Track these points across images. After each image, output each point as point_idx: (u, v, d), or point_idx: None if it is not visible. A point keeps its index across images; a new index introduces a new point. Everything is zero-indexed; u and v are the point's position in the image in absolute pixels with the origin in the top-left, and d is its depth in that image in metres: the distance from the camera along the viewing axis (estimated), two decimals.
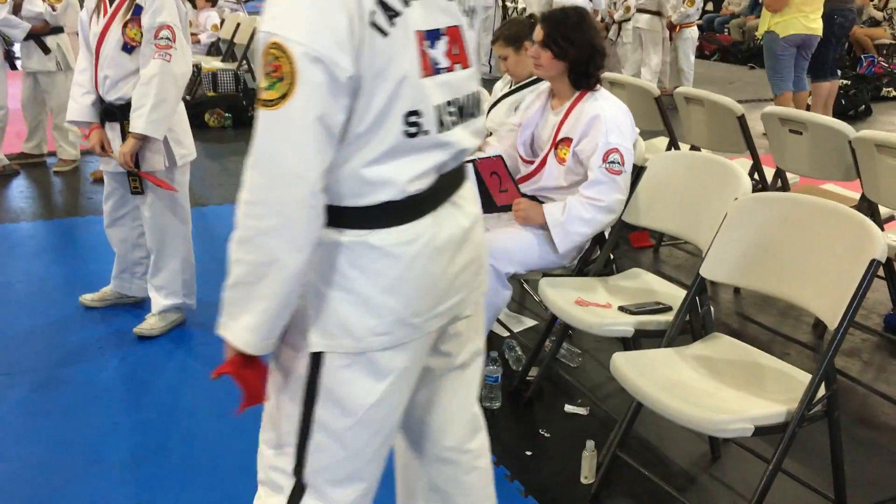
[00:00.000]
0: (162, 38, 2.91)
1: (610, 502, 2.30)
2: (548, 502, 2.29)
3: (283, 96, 1.20)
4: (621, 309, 2.49)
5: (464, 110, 1.40)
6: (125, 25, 2.93)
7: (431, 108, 1.33)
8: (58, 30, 5.38)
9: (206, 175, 5.51)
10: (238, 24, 7.90)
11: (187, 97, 6.15)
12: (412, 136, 1.31)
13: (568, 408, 2.77)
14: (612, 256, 2.90)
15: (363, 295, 1.35)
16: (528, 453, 2.53)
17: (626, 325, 2.41)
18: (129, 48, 2.95)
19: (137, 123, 2.92)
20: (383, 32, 1.24)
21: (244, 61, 7.60)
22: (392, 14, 1.25)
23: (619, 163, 2.61)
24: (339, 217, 1.32)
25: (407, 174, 1.33)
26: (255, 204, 1.26)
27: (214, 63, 7.63)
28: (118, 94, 2.99)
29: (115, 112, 3.02)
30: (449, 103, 1.36)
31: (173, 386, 2.92)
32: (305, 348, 1.37)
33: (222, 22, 8.44)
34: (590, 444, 2.37)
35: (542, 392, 2.87)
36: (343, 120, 1.24)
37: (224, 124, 7.01)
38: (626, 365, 2.13)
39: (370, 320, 1.35)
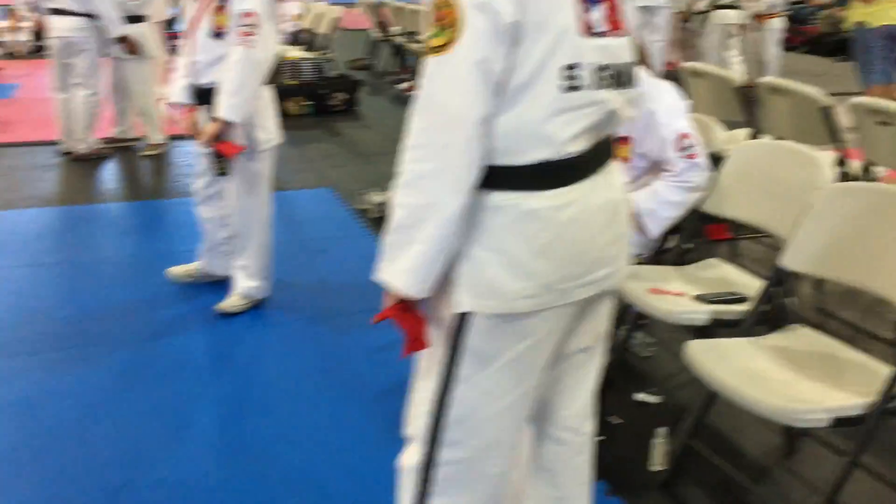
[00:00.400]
0: (246, 25, 3.01)
1: (680, 490, 2.29)
2: (618, 486, 2.30)
3: (449, 42, 1.27)
4: (697, 298, 2.47)
5: (620, 77, 1.41)
6: (215, 12, 3.04)
7: (588, 65, 1.34)
8: (138, 19, 5.57)
9: (286, 161, 5.64)
10: (318, 14, 8.06)
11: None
12: (570, 89, 1.33)
13: (639, 396, 2.76)
14: (688, 246, 2.88)
15: (514, 257, 1.37)
16: (599, 438, 2.54)
17: (701, 313, 2.39)
18: (218, 34, 3.06)
19: (219, 107, 3.03)
20: None
21: (325, 50, 7.75)
22: None
23: (693, 145, 2.60)
24: (497, 178, 1.35)
25: (564, 132, 1.35)
26: (419, 147, 1.33)
27: (296, 52, 7.80)
28: (208, 79, 3.10)
29: (204, 96, 3.14)
30: (605, 67, 1.37)
31: (251, 360, 3.03)
32: (453, 308, 1.42)
33: (302, 14, 8.62)
34: (662, 431, 2.37)
35: (612, 380, 2.86)
36: (503, 68, 1.28)
37: (305, 112, 7.17)
38: (701, 352, 2.12)
39: (521, 282, 1.38)
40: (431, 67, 1.30)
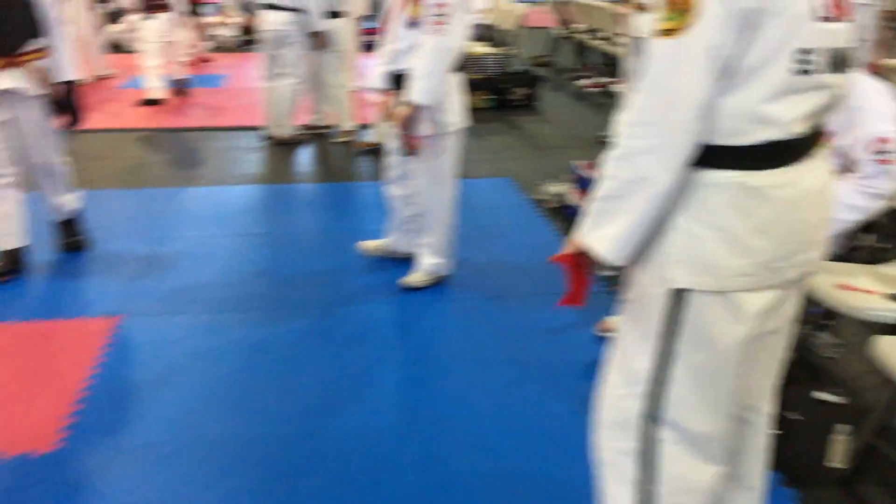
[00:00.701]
0: (438, 15, 3.18)
1: (860, 488, 2.22)
2: (794, 480, 2.27)
3: (682, 27, 1.30)
4: (888, 297, 2.38)
5: (842, 62, 1.42)
6: (411, 3, 3.24)
7: (821, 49, 1.37)
8: (337, 14, 5.88)
9: (467, 151, 5.81)
10: (504, 11, 8.22)
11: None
12: (801, 73, 1.35)
13: (818, 394, 2.69)
14: (883, 246, 2.76)
15: (734, 234, 1.41)
16: (776, 432, 2.50)
17: (892, 311, 2.30)
18: (413, 23, 3.25)
19: (410, 92, 3.23)
20: None
21: (508, 46, 7.90)
22: None
23: (889, 151, 2.49)
24: (718, 157, 1.39)
25: (793, 113, 1.38)
26: (639, 124, 1.38)
27: (481, 48, 8.01)
28: (403, 65, 3.31)
29: (399, 81, 3.35)
30: (831, 50, 1.40)
31: (432, 331, 3.21)
32: (666, 284, 1.47)
33: (488, 10, 8.81)
34: (843, 428, 2.31)
35: (793, 377, 2.80)
36: (732, 54, 1.31)
37: (487, 106, 7.35)
38: (889, 348, 2.06)
39: (737, 260, 1.42)
40: (662, 49, 1.33)
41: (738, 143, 1.38)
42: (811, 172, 1.45)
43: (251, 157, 5.81)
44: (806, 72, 1.35)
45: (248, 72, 8.53)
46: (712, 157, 1.39)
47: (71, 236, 3.94)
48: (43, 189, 3.77)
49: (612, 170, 1.43)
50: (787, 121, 1.37)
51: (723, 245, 1.41)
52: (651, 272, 1.49)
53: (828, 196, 1.51)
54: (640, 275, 1.51)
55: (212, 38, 10.76)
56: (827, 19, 1.37)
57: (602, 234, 1.45)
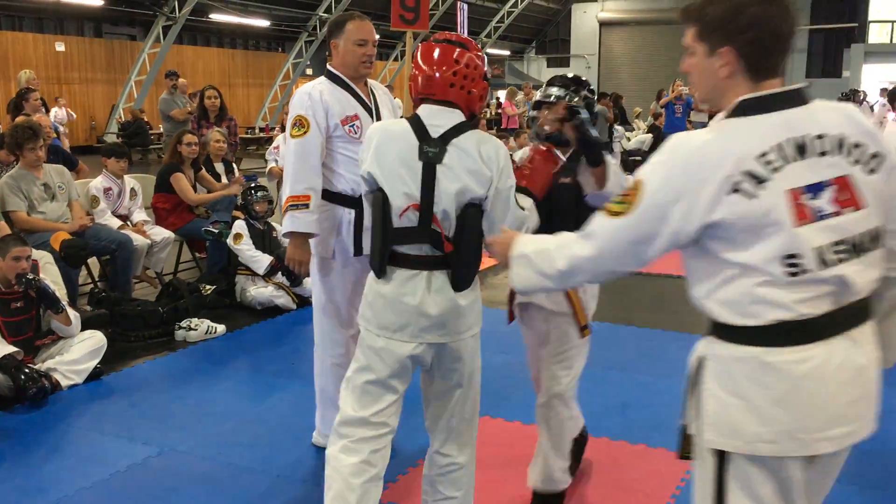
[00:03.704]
0: None
1: None
2: None
3: (620, 213, 1.63)
4: None
5: (857, 247, 1.58)
6: None
7: (810, 250, 1.53)
8: None
9: None
10: None
11: None
12: (792, 275, 1.53)
13: None
14: None
15: (755, 404, 1.57)
16: None
17: None
18: None
19: None
20: (750, 195, 1.52)
21: None
22: (760, 180, 1.53)
23: None
24: (739, 334, 1.58)
25: (796, 297, 1.54)
26: (578, 271, 1.75)
27: None
28: None
29: None
30: (837, 243, 1.56)
31: None
32: (707, 445, 1.65)
33: None
34: None
35: None
36: (659, 248, 1.62)
37: None
38: None
39: (758, 427, 1.57)
40: (605, 224, 1.69)
41: (752, 323, 1.56)
42: (844, 351, 1.57)
43: None
44: (799, 272, 1.53)
45: None
46: (735, 333, 1.59)
47: None
48: None
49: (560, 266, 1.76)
50: (793, 303, 1.54)
51: (746, 413, 1.58)
52: (700, 434, 1.67)
53: (868, 374, 1.61)
54: (696, 436, 1.70)
55: None
56: (829, 216, 1.55)
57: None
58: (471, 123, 2.43)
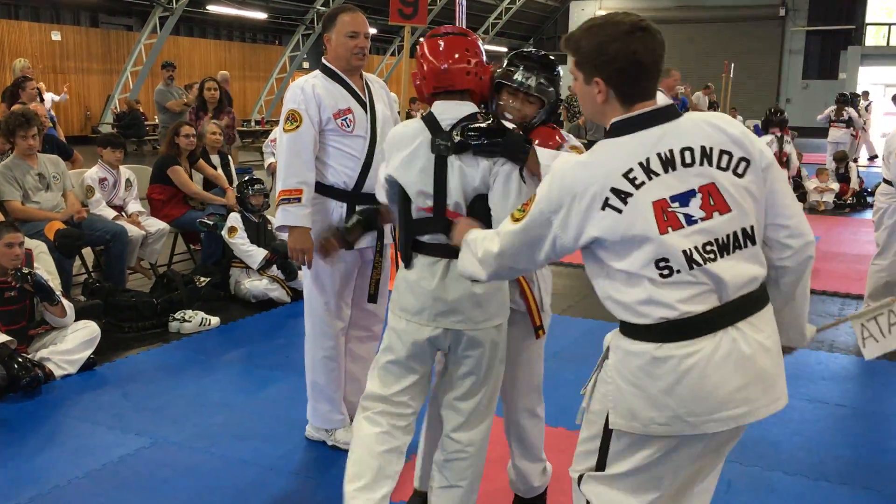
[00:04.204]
0: None
1: None
2: None
3: (518, 219, 1.90)
4: None
5: (727, 247, 1.76)
6: None
7: (678, 253, 1.73)
8: None
9: None
10: None
11: None
12: (665, 276, 1.74)
13: None
14: None
15: (647, 392, 1.78)
16: None
17: None
18: None
19: None
20: (618, 210, 1.74)
21: None
22: (625, 196, 1.74)
23: None
24: (634, 331, 1.80)
25: (676, 296, 1.74)
26: (486, 264, 2.01)
27: None
28: None
29: None
30: (707, 244, 1.75)
31: None
32: (610, 424, 1.87)
33: None
34: None
35: None
36: (546, 252, 1.87)
37: None
38: None
39: (652, 412, 1.78)
40: (508, 228, 1.95)
41: (643, 322, 1.77)
42: (730, 342, 1.75)
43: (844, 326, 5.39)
44: (671, 274, 1.73)
45: (843, 236, 8.92)
46: (631, 330, 1.80)
47: None
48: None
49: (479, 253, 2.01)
50: (675, 303, 1.73)
51: (641, 399, 1.79)
52: (598, 406, 1.93)
53: (756, 362, 1.78)
54: (587, 407, 1.98)
55: (804, 199, 10.87)
56: (698, 220, 1.74)
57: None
58: (483, 112, 2.48)
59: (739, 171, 1.78)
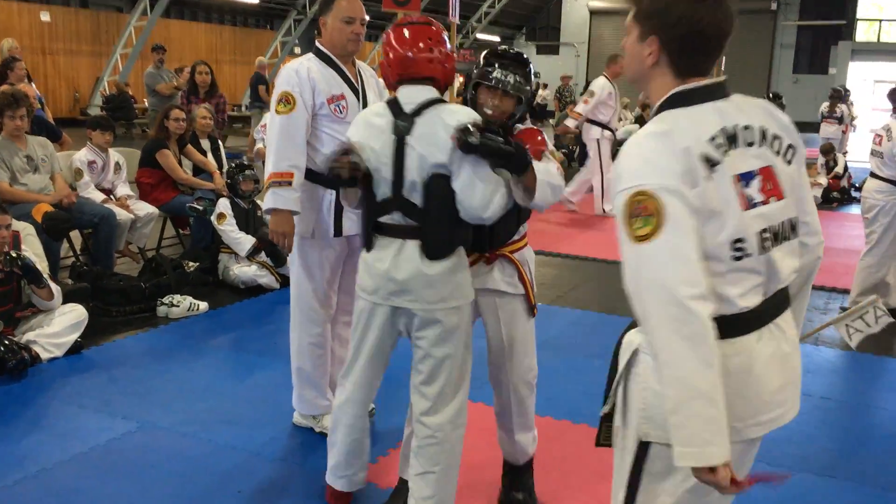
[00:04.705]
0: None
1: None
2: None
3: (650, 235, 1.51)
4: None
5: (778, 236, 1.65)
6: None
7: (753, 235, 1.58)
8: None
9: None
10: None
11: None
12: (738, 259, 1.57)
13: None
14: None
15: None
16: None
17: None
18: None
19: None
20: (707, 178, 1.55)
21: None
22: (713, 164, 1.56)
23: None
24: None
25: (736, 291, 1.58)
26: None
27: None
28: None
29: None
30: (764, 230, 1.61)
31: None
32: (640, 436, 1.69)
33: None
34: None
35: None
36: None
37: None
38: None
39: None
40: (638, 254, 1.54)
41: None
42: (769, 339, 1.64)
43: (823, 319, 5.51)
44: (744, 256, 1.57)
45: (831, 230, 8.81)
46: None
47: None
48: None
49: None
50: (733, 297, 1.58)
51: None
52: (625, 425, 1.73)
53: (793, 361, 1.70)
54: (620, 427, 1.75)
55: None
56: (759, 204, 1.60)
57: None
58: (442, 98, 2.56)
59: (788, 157, 1.68)
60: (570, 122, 9.28)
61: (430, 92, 2.55)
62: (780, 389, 1.66)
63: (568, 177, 12.51)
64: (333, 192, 3.23)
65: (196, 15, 22.29)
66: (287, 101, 3.17)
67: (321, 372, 3.46)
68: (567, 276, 6.58)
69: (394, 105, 2.55)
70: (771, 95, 8.40)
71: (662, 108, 1.66)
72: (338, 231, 3.27)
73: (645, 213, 1.50)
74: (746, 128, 1.62)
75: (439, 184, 2.46)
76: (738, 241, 1.56)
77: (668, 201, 1.50)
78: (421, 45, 2.53)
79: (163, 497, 2.99)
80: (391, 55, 2.55)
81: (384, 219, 2.54)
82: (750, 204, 1.58)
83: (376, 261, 2.55)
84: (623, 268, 1.56)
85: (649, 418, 1.64)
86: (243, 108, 21.29)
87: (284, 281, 5.67)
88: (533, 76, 2.68)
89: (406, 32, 2.56)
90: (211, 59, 19.75)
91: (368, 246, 2.60)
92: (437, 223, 2.49)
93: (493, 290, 2.76)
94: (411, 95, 2.54)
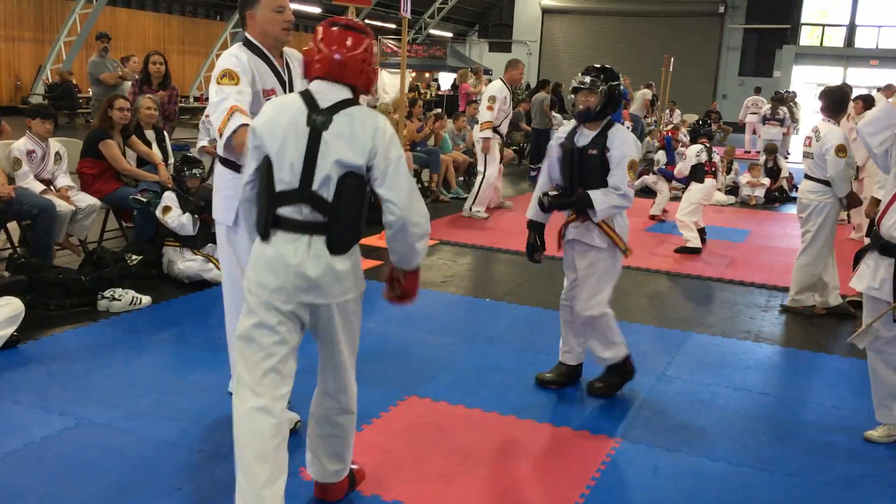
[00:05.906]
0: None
1: None
2: None
3: None
4: None
5: None
6: None
7: None
8: None
9: None
10: None
11: None
12: None
13: None
14: None
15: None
16: None
17: None
18: None
19: None
20: None
21: None
22: None
23: None
24: None
25: None
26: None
27: None
28: None
29: None
30: None
31: None
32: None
33: None
34: None
35: None
36: None
37: None
38: None
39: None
40: None
41: None
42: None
43: (762, 316, 5.68)
44: None
45: (770, 231, 9.09)
46: None
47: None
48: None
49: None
50: None
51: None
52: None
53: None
54: None
55: (736, 193, 11.31)
56: None
57: None
58: (356, 100, 2.63)
59: None
60: (486, 133, 8.95)
61: (346, 92, 2.60)
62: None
63: (518, 175, 12.63)
64: None
65: (143, 4, 21.83)
66: (231, 76, 3.18)
67: None
68: (514, 273, 6.62)
69: (308, 97, 2.58)
70: (699, 122, 8.56)
71: None
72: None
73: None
74: None
75: (352, 183, 2.53)
76: None
77: None
78: (356, 52, 2.58)
79: (98, 495, 2.92)
80: (324, 51, 2.57)
81: (286, 211, 2.54)
82: None
83: (283, 256, 2.54)
84: None
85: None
86: (191, 100, 20.92)
87: None
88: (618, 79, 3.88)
89: (343, 36, 2.59)
90: (159, 48, 19.41)
91: (265, 237, 2.58)
92: (345, 219, 2.55)
93: (585, 242, 3.93)
94: (327, 92, 2.58)
